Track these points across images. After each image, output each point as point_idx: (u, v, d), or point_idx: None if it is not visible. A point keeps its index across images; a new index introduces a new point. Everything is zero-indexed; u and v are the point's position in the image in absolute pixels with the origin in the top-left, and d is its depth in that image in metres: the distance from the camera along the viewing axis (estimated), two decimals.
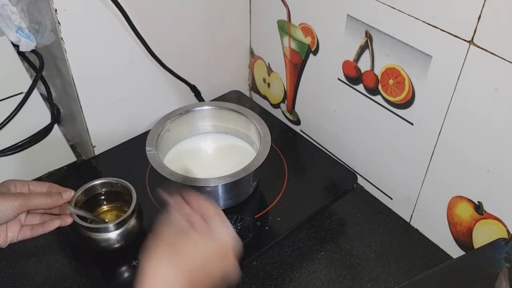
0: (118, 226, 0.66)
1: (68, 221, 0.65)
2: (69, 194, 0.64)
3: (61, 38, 0.72)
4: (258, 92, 1.05)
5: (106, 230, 0.66)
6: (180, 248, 0.51)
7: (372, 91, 0.76)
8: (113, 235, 0.66)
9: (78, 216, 0.65)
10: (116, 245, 0.67)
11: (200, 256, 0.51)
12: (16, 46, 0.76)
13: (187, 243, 0.51)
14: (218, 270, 0.52)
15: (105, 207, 0.73)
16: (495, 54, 0.58)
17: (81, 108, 0.80)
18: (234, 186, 0.73)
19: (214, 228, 0.53)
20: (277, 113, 1.01)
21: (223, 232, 0.53)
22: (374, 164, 0.83)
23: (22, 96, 0.77)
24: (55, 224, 0.64)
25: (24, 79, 0.77)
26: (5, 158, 0.80)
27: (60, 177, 0.84)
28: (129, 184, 0.69)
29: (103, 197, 0.72)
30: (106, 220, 0.70)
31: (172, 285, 0.49)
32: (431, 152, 0.72)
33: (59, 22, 0.70)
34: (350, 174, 0.83)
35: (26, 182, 0.64)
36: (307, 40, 0.84)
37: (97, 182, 0.70)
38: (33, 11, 0.75)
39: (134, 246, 0.60)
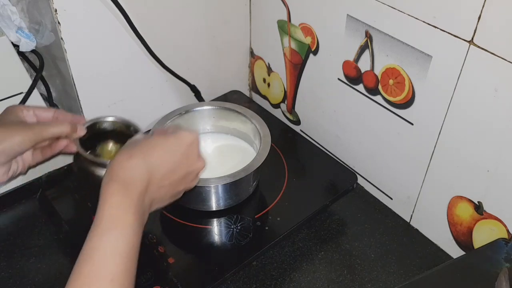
0: None
1: (73, 149, 0.65)
2: (83, 131, 0.65)
3: (61, 38, 0.72)
4: (258, 92, 1.05)
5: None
6: (152, 151, 0.53)
7: (372, 91, 0.76)
8: None
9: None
10: None
11: (170, 160, 0.54)
12: (16, 46, 0.76)
13: (157, 146, 0.54)
14: (184, 172, 0.56)
15: (110, 147, 0.71)
16: (495, 54, 0.58)
17: (81, 108, 0.80)
18: (234, 186, 0.73)
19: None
20: (277, 113, 1.01)
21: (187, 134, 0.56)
22: (374, 164, 0.83)
23: (22, 96, 0.77)
24: (61, 145, 0.65)
25: (24, 79, 0.77)
26: None
27: (60, 177, 0.84)
28: (138, 126, 0.68)
29: (109, 136, 0.70)
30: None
31: (140, 177, 0.50)
32: (431, 152, 0.72)
33: (59, 22, 0.70)
34: (350, 174, 0.83)
35: (31, 107, 0.64)
36: (307, 40, 0.84)
37: (107, 119, 0.69)
38: (33, 11, 0.75)
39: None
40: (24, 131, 0.59)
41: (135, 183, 0.50)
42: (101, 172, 0.63)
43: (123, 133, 0.69)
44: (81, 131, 0.65)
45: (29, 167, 0.65)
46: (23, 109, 0.64)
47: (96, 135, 0.68)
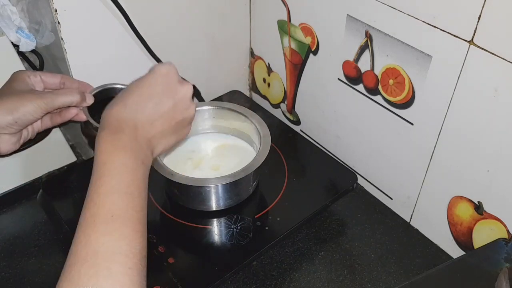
0: None
1: (83, 117, 0.66)
2: (91, 99, 0.66)
3: (61, 38, 0.72)
4: (258, 92, 1.05)
5: None
6: (130, 94, 0.54)
7: (372, 91, 0.76)
8: None
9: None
10: None
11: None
12: (16, 46, 0.76)
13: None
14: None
15: None
16: (495, 54, 0.58)
17: None
18: (234, 186, 0.73)
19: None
20: (277, 113, 1.01)
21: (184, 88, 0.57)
22: (374, 164, 0.83)
23: None
24: (71, 113, 0.66)
25: None
26: (5, 158, 0.80)
27: (60, 177, 0.84)
28: None
29: None
30: None
31: (124, 120, 0.52)
32: (431, 152, 0.72)
33: (59, 22, 0.70)
34: (350, 174, 0.83)
35: (37, 72, 0.65)
36: (307, 40, 0.84)
37: (114, 86, 0.70)
38: (33, 11, 0.75)
39: None
40: (36, 100, 0.60)
41: (121, 127, 0.51)
42: None
43: None
44: (90, 100, 0.66)
45: (38, 133, 0.66)
46: (30, 74, 0.64)
47: (103, 101, 0.69)
